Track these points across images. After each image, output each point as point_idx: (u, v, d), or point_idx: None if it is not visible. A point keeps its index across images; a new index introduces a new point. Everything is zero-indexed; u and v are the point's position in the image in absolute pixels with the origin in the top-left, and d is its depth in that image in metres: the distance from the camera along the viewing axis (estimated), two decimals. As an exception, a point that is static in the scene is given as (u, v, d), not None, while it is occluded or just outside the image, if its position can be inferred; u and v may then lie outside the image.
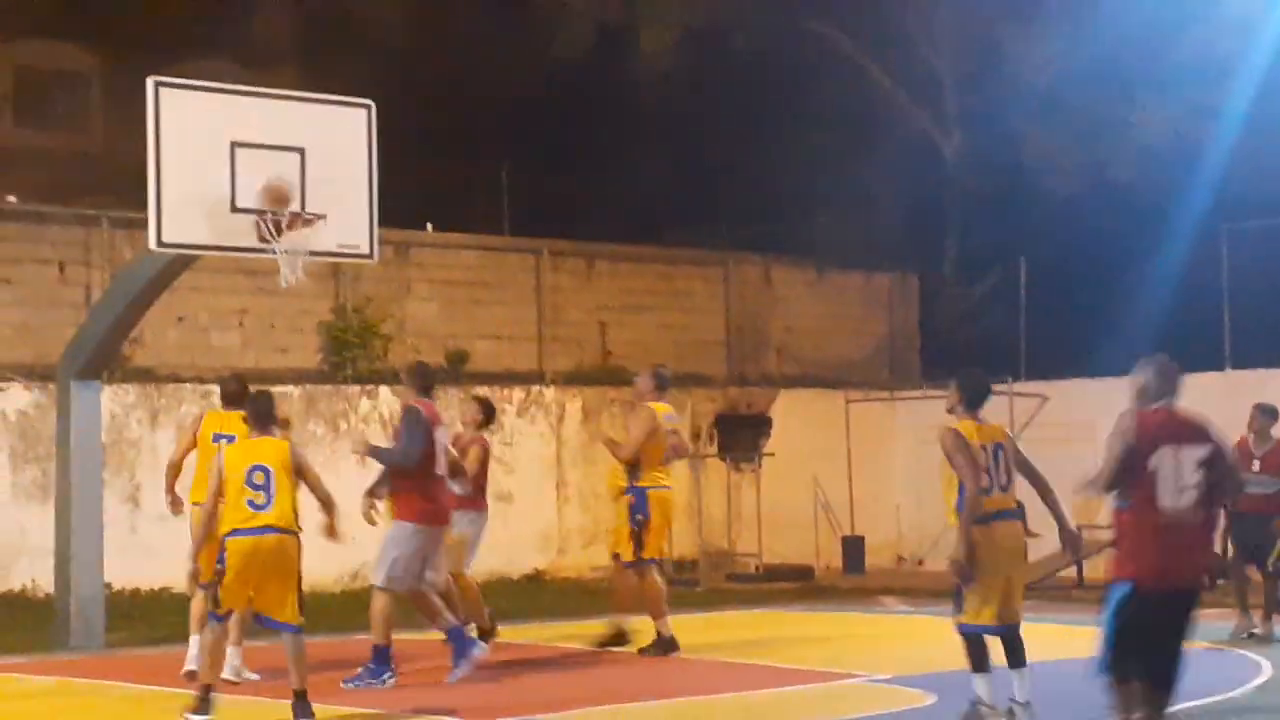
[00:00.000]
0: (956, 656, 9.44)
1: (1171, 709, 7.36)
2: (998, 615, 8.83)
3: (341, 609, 14.87)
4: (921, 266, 23.88)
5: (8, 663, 12.15)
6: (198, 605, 10.33)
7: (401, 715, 9.67)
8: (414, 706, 9.90)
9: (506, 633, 12.59)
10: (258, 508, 9.06)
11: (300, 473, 9.22)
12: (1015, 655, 8.95)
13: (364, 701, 10.03)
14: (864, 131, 23.92)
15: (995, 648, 8.91)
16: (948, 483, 8.87)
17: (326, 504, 9.32)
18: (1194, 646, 12.41)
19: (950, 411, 9.13)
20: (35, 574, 15.15)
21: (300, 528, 9.24)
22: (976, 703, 8.82)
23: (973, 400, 9.07)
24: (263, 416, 9.39)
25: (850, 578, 19.46)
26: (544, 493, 19.07)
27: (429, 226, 20.02)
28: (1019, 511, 9.06)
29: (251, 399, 9.73)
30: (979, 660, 8.85)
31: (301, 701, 9.14)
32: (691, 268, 21.75)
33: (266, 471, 9.10)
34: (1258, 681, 10.58)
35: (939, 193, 24.74)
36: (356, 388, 17.93)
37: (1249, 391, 17.79)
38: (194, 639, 10.45)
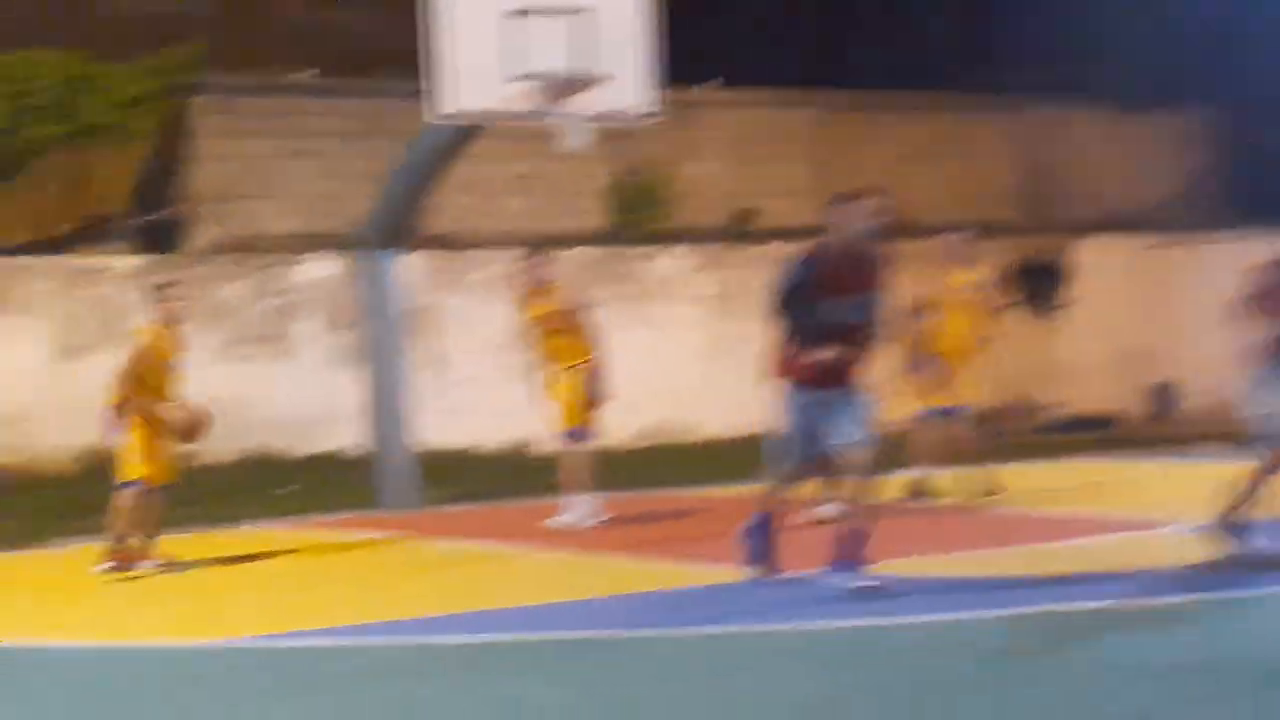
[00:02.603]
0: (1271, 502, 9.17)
1: None
2: None
3: (636, 466, 15.15)
4: (1228, 103, 22.75)
5: (330, 520, 12.73)
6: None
7: (706, 566, 9.76)
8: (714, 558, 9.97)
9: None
10: None
11: None
12: None
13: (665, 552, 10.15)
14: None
15: None
16: None
17: None
18: None
19: None
20: (351, 436, 15.77)
21: None
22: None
23: None
24: None
25: (1157, 426, 18.96)
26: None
27: (711, 84, 19.89)
28: None
29: None
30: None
31: None
32: (981, 115, 21.17)
33: None
34: None
35: (1246, 20, 23.43)
36: (641, 249, 18.03)
37: None
38: None
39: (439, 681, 6.99)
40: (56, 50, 15.88)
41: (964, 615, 7.87)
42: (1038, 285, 19.90)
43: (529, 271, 12.17)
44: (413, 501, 13.28)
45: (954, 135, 20.95)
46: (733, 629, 7.89)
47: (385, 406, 13.42)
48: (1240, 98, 23.24)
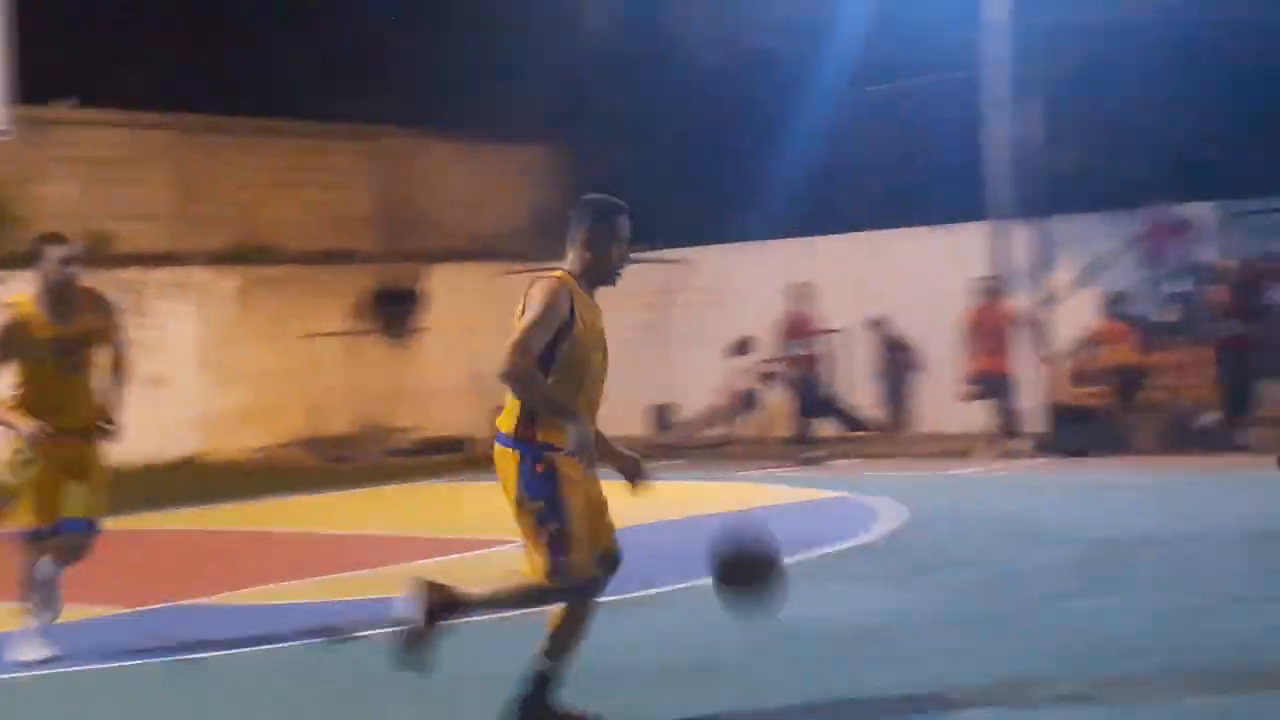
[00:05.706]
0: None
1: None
2: None
3: None
4: (570, 136, 23.99)
5: None
6: None
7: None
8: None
9: (162, 519, 12.30)
10: None
11: None
12: None
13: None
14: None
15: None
16: None
17: None
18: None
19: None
20: None
21: None
22: None
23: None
24: None
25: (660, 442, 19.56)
26: (198, 376, 18.74)
27: (66, 103, 19.20)
28: None
29: None
30: None
31: None
32: (339, 141, 21.46)
33: None
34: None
35: (584, 61, 24.83)
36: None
37: (881, 251, 18.73)
38: None
39: None
40: None
41: (302, 642, 7.93)
42: (393, 312, 20.34)
43: None
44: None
45: (312, 162, 21.11)
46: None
47: None
48: (589, 129, 24.65)
